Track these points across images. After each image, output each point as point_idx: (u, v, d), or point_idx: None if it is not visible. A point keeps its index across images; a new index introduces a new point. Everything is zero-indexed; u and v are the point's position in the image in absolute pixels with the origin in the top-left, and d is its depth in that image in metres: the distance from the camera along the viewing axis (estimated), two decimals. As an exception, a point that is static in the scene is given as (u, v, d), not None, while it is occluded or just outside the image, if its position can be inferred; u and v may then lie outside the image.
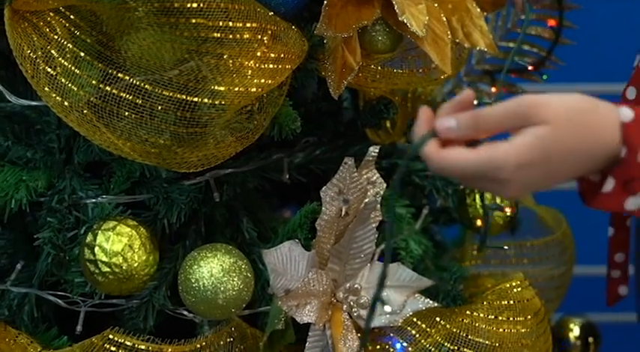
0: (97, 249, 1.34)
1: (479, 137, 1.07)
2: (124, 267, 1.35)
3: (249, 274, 1.37)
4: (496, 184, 1.07)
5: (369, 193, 1.39)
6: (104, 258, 1.34)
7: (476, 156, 1.06)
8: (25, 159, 1.44)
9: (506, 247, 1.69)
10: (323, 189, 1.35)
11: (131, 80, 1.28)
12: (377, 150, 1.38)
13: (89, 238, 1.35)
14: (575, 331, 1.95)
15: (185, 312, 1.42)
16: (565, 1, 1.72)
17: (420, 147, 1.07)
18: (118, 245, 1.34)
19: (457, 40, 1.41)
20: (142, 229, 1.36)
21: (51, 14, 1.30)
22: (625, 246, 1.57)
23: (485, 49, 1.41)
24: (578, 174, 1.10)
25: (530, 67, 1.75)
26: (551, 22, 1.71)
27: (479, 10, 1.43)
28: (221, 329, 1.40)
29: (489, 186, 1.08)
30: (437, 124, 1.08)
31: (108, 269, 1.35)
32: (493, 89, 1.90)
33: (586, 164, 1.08)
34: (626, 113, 1.08)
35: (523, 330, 1.49)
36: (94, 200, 1.41)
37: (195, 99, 1.29)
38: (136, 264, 1.35)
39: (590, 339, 1.95)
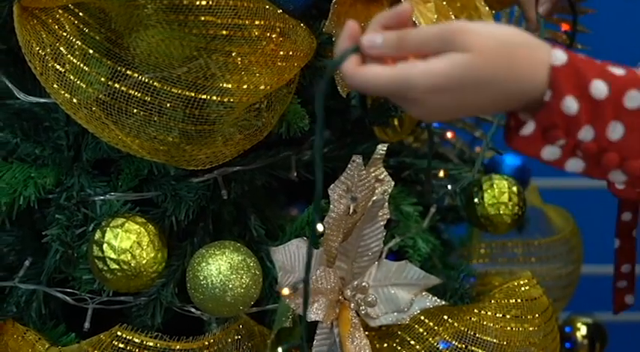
0: (105, 246, 1.34)
1: (403, 56, 1.03)
2: (132, 264, 1.35)
3: (257, 272, 1.37)
4: (407, 103, 1.04)
5: (376, 191, 1.39)
6: (112, 255, 1.34)
7: (389, 72, 1.02)
8: (33, 156, 1.44)
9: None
10: (331, 186, 1.35)
11: (140, 77, 1.28)
12: (385, 148, 1.38)
13: (97, 235, 1.35)
14: (582, 330, 1.95)
15: (193, 309, 1.42)
16: (579, 6, 1.72)
17: (341, 62, 1.04)
18: (127, 242, 1.34)
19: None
20: (150, 226, 1.36)
21: (60, 11, 1.30)
22: (631, 257, 1.54)
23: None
24: (499, 109, 1.04)
25: None
26: (565, 27, 1.71)
27: (487, 8, 1.42)
28: (229, 326, 1.40)
29: (401, 103, 1.04)
30: (363, 39, 1.05)
31: (116, 267, 1.35)
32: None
33: (508, 100, 1.03)
34: (559, 56, 1.02)
35: (531, 329, 1.49)
36: (102, 197, 1.41)
37: (204, 96, 1.29)
38: (144, 261, 1.35)
39: (597, 339, 1.96)
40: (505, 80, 1.02)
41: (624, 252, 1.49)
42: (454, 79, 1.01)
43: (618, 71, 1.05)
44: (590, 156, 1.04)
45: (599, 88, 1.02)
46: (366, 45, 1.04)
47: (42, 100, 1.39)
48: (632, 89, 1.03)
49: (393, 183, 1.39)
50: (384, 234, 1.37)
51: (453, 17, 1.40)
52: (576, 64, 1.02)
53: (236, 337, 1.40)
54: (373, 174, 1.38)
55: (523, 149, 1.04)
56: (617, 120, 1.03)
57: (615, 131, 1.03)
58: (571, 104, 1.01)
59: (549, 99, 1.02)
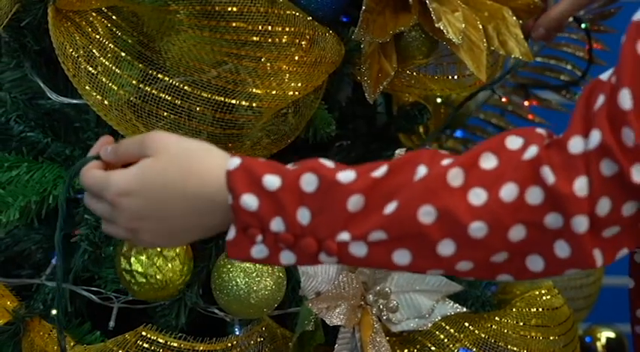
0: (132, 259, 1.35)
1: (121, 163, 1.10)
2: (158, 277, 1.35)
3: (281, 275, 1.38)
4: (108, 207, 1.09)
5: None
6: (140, 269, 1.35)
7: (96, 174, 1.11)
8: (63, 156, 1.46)
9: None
10: (356, 192, 1.35)
11: (170, 81, 1.30)
12: (403, 152, 1.38)
13: (125, 248, 1.36)
14: (602, 340, 1.95)
15: (217, 311, 1.43)
16: (601, 24, 1.73)
17: (81, 166, 1.13)
18: (153, 255, 1.35)
19: (492, 48, 1.41)
20: (176, 238, 1.37)
21: (93, 14, 1.31)
22: None
23: (521, 57, 1.42)
24: (202, 224, 1.08)
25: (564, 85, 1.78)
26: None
27: (515, 18, 1.43)
28: (252, 328, 1.41)
29: (104, 210, 1.10)
30: (101, 150, 1.13)
31: (144, 280, 1.35)
32: (526, 102, 1.91)
33: (201, 210, 1.06)
34: (234, 161, 1.06)
35: (551, 338, 1.49)
36: (130, 198, 1.42)
37: (233, 101, 1.30)
38: (170, 274, 1.35)
39: (617, 350, 1.95)
40: (186, 185, 1.06)
41: (638, 293, 1.37)
42: (140, 180, 1.07)
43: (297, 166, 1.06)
44: (292, 245, 1.05)
45: (270, 181, 1.04)
46: (103, 154, 1.13)
47: (73, 101, 1.41)
48: (305, 173, 1.04)
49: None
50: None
51: (480, 27, 1.40)
52: (249, 165, 1.05)
53: (259, 339, 1.41)
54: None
55: (235, 255, 1.06)
56: (303, 206, 1.04)
57: (303, 216, 1.04)
58: (250, 200, 1.04)
59: (232, 202, 1.04)
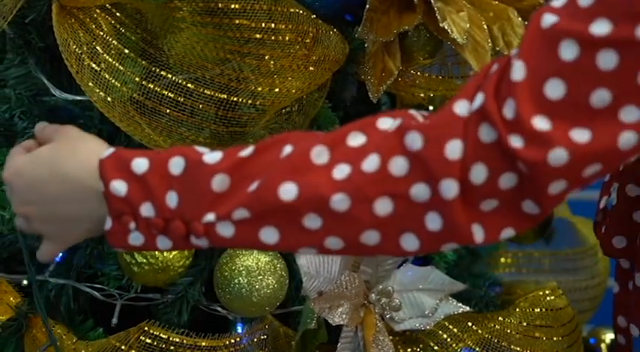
0: None
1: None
2: (159, 258, 1.36)
3: (283, 273, 1.39)
4: (8, 190, 1.10)
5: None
6: None
7: (12, 151, 1.12)
8: (67, 153, 1.46)
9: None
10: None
11: (174, 78, 1.30)
12: None
13: None
14: (607, 342, 1.95)
15: (219, 309, 1.43)
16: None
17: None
18: None
19: (497, 48, 1.41)
20: (178, 222, 1.37)
21: (97, 11, 1.32)
22: (626, 311, 1.30)
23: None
24: (79, 209, 1.07)
25: None
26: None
27: (520, 19, 1.43)
28: (254, 326, 1.41)
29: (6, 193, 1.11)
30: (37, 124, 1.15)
31: (144, 260, 1.36)
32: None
33: (78, 195, 1.06)
34: (109, 150, 1.06)
35: (555, 339, 1.49)
36: (132, 195, 1.42)
37: (236, 99, 1.30)
38: (171, 256, 1.36)
39: None
40: (67, 164, 1.06)
41: (621, 300, 1.31)
42: (30, 160, 1.08)
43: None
44: (163, 230, 1.04)
45: (139, 164, 1.03)
46: (35, 128, 1.15)
47: (77, 98, 1.41)
48: (174, 157, 1.03)
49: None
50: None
51: (485, 27, 1.40)
52: (120, 153, 1.05)
53: (262, 337, 1.41)
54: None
55: (114, 243, 1.06)
56: (171, 190, 1.02)
57: (172, 199, 1.02)
58: (119, 186, 1.03)
59: (103, 190, 1.04)
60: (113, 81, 1.30)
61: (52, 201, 1.07)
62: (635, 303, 1.25)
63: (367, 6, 1.35)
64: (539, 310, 1.50)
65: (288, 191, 0.99)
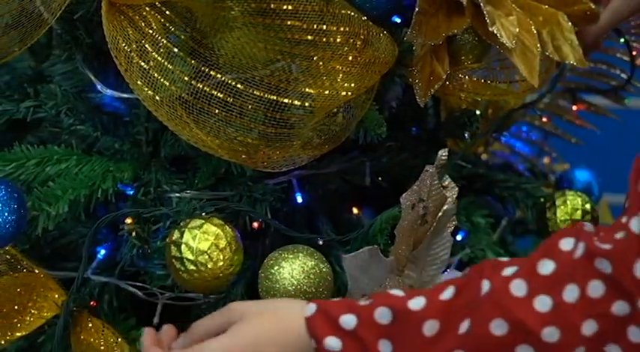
0: (183, 246, 1.34)
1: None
2: (209, 266, 1.35)
3: (329, 278, 1.38)
4: None
5: (448, 200, 1.38)
6: (190, 256, 1.35)
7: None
8: (112, 150, 1.46)
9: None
10: (403, 195, 1.34)
11: (223, 78, 1.29)
12: (446, 153, 1.36)
13: (176, 235, 1.35)
14: None
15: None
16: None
17: None
18: (205, 244, 1.34)
19: (547, 53, 1.40)
20: (227, 228, 1.36)
21: (147, 9, 1.31)
22: None
23: (575, 64, 1.41)
24: None
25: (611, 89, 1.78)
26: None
27: (570, 24, 1.42)
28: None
29: None
30: (173, 344, 1.22)
31: (193, 268, 1.35)
32: (574, 107, 1.90)
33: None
34: (310, 307, 1.14)
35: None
36: (178, 194, 1.42)
37: (285, 100, 1.30)
38: (221, 263, 1.35)
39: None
40: (276, 333, 1.15)
41: None
42: (237, 342, 1.16)
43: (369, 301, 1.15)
44: None
45: (347, 320, 1.13)
46: (176, 346, 1.22)
47: (124, 95, 1.41)
48: (379, 307, 1.13)
49: (457, 189, 1.39)
50: (452, 242, 1.37)
51: (534, 31, 1.39)
52: (325, 308, 1.14)
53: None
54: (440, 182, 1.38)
55: None
56: (382, 339, 1.12)
57: (385, 348, 1.12)
58: (333, 343, 1.13)
59: (315, 346, 1.13)
60: (162, 80, 1.29)
61: None
62: None
63: (416, 9, 1.34)
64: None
65: (498, 327, 1.09)
